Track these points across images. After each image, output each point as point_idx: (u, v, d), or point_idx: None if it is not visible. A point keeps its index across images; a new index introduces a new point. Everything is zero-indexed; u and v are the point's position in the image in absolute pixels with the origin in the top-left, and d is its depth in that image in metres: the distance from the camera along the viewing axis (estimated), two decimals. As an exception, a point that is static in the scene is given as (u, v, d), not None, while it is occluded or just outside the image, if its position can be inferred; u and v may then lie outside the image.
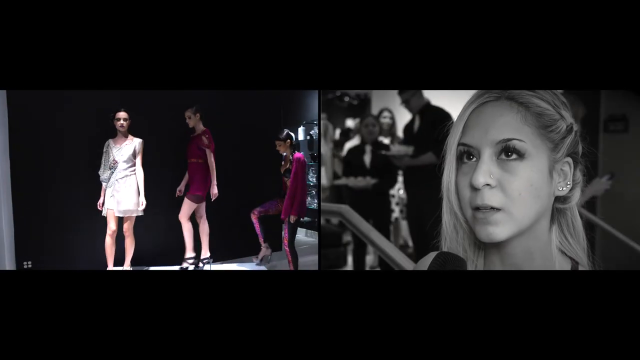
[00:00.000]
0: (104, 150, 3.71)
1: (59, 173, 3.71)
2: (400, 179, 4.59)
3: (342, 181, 4.17)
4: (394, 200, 4.92)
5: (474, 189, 0.89)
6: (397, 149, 3.96)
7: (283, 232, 3.94)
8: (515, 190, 0.88)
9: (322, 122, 4.72)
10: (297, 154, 3.89)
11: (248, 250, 4.52)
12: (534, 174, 0.88)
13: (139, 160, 3.74)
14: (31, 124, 3.59)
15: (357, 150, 4.32)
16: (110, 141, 3.73)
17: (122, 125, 3.67)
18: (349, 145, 4.96)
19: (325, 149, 5.17)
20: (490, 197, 0.88)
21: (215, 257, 4.28)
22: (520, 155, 0.88)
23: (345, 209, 2.36)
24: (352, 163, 4.27)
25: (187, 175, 4.08)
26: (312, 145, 6.01)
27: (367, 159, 4.21)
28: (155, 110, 4.08)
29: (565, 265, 0.97)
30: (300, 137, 6.16)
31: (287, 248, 3.96)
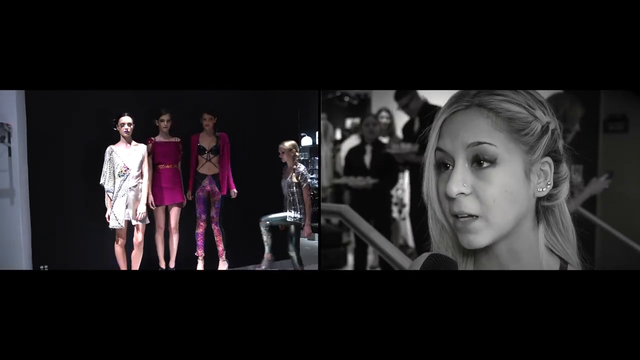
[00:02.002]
0: (107, 158, 3.49)
1: (77, 176, 3.65)
2: (400, 180, 4.59)
3: (342, 180, 4.17)
4: (392, 201, 4.92)
5: (450, 198, 0.90)
6: (403, 146, 3.96)
7: (213, 211, 3.96)
8: (489, 197, 0.87)
9: (322, 122, 4.72)
10: (223, 133, 4.05)
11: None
12: (508, 179, 0.88)
13: (146, 166, 3.63)
14: (50, 126, 3.52)
15: (358, 150, 4.31)
16: (113, 147, 3.51)
17: (127, 131, 3.49)
18: (348, 145, 4.96)
19: (326, 149, 5.17)
20: (467, 205, 0.89)
21: (231, 264, 4.25)
22: (493, 161, 0.88)
23: (345, 209, 2.36)
24: (352, 163, 4.26)
25: (158, 184, 3.81)
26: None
27: (367, 159, 4.21)
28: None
29: (553, 264, 0.97)
30: (318, 140, 6.08)
31: (217, 227, 3.99)
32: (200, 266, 4.06)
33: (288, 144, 3.87)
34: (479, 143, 0.88)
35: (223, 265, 4.07)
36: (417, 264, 0.93)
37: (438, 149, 0.94)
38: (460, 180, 0.89)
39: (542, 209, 0.95)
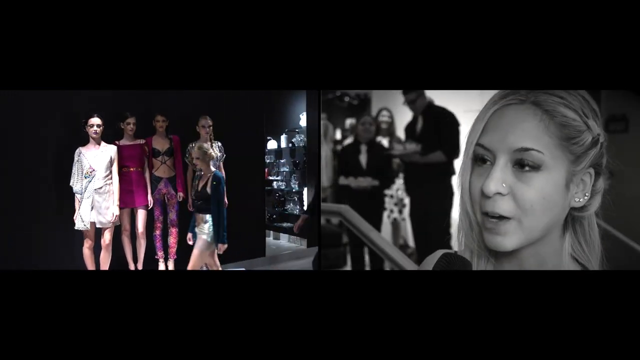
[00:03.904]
0: (76, 159, 3.47)
1: (45, 177, 3.59)
2: (399, 180, 4.58)
3: (343, 181, 4.15)
4: (392, 201, 4.91)
5: (485, 196, 0.88)
6: (408, 146, 3.93)
7: (173, 214, 3.96)
8: (527, 201, 0.86)
9: (322, 122, 4.71)
10: (175, 135, 4.05)
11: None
12: (548, 186, 0.86)
13: (115, 168, 3.58)
14: (15, 126, 3.45)
15: (352, 150, 4.29)
16: (82, 149, 3.49)
17: (95, 132, 3.46)
18: (343, 144, 4.95)
19: (326, 149, 5.16)
20: (501, 206, 0.87)
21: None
22: (536, 167, 0.86)
23: (345, 209, 2.36)
24: (347, 162, 4.24)
25: (124, 186, 3.74)
26: (295, 153, 6.04)
27: (362, 159, 4.19)
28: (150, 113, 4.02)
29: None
30: (283, 144, 6.20)
31: (176, 230, 4.00)
32: (161, 268, 4.07)
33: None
34: (526, 149, 0.86)
35: (171, 266, 4.09)
36: (430, 261, 0.92)
37: (479, 144, 0.91)
38: (499, 179, 0.87)
39: (571, 218, 0.94)
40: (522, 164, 0.86)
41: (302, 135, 5.81)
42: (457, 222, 0.99)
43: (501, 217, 0.87)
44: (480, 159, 0.91)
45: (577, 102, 0.88)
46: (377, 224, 4.19)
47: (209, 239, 3.15)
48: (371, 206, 4.13)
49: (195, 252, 3.19)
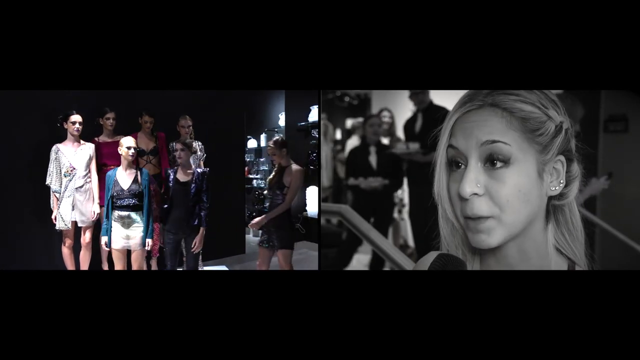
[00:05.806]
0: (53, 157, 3.35)
1: (20, 176, 3.52)
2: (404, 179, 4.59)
3: (352, 181, 4.14)
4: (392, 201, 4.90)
5: (463, 199, 0.89)
6: (411, 146, 3.93)
7: (157, 211, 3.84)
8: (503, 197, 0.87)
9: (322, 122, 4.72)
10: (161, 133, 4.03)
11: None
12: (521, 179, 0.88)
13: (94, 166, 3.49)
14: None
15: (361, 151, 4.29)
16: (60, 146, 3.37)
17: (77, 129, 3.35)
18: (349, 145, 4.94)
19: (326, 149, 5.16)
20: (480, 207, 0.88)
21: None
22: (506, 161, 0.88)
23: (345, 208, 2.36)
24: (357, 164, 4.23)
25: (102, 184, 3.58)
26: None
27: (372, 159, 4.18)
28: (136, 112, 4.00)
29: (562, 265, 0.97)
30: (262, 143, 6.26)
31: (159, 227, 3.95)
32: (153, 266, 4.04)
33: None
34: (494, 141, 0.88)
35: (154, 265, 4.05)
36: (424, 263, 0.92)
37: (450, 146, 0.93)
38: (473, 180, 0.88)
39: (552, 208, 0.95)
40: (492, 159, 0.88)
41: (282, 135, 5.88)
42: (440, 232, 1.01)
43: (482, 217, 0.89)
44: (455, 164, 0.93)
45: (533, 96, 0.91)
46: (387, 225, 4.21)
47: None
48: (382, 207, 4.14)
49: (138, 252, 3.17)
